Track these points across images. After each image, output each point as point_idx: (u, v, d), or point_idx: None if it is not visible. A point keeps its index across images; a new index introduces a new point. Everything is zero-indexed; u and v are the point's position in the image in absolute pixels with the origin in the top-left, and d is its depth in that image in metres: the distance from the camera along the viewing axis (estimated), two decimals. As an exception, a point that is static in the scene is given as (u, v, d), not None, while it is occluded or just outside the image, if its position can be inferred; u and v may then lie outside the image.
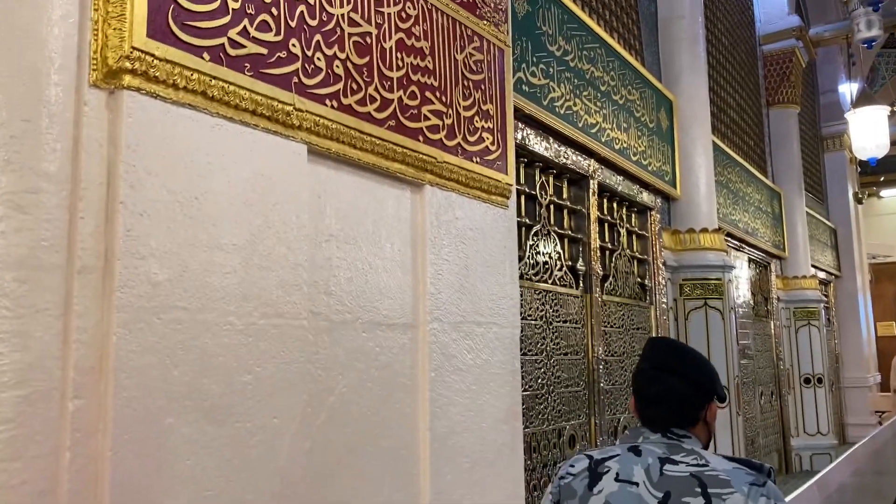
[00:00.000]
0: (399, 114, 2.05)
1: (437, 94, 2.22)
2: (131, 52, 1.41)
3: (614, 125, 4.09)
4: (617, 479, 1.51)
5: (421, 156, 2.13)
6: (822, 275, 9.48)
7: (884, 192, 14.22)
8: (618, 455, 1.53)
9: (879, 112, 5.07)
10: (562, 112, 3.50)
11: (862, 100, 5.23)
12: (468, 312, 2.32)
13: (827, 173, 10.58)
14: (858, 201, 9.75)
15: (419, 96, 2.14)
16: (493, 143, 2.48)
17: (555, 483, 1.60)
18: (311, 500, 1.73)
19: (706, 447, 1.56)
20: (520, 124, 3.24)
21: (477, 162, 2.39)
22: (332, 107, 1.84)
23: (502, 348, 2.47)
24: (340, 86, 1.87)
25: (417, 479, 2.06)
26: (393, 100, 2.04)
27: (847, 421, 9.97)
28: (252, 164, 1.64)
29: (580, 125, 3.68)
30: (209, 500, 1.48)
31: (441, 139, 2.23)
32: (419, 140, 2.13)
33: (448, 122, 2.26)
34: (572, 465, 1.58)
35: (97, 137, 1.40)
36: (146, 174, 1.43)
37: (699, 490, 1.44)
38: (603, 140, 3.92)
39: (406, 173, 2.10)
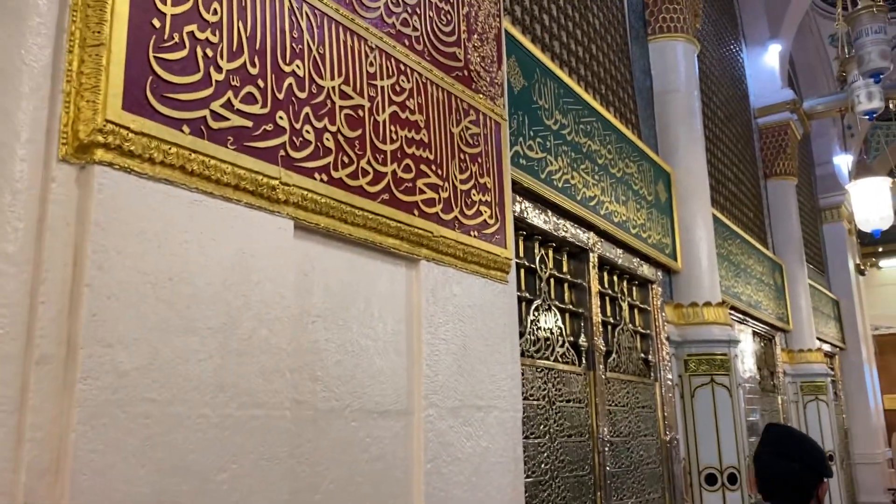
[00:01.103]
0: (393, 187, 1.97)
1: (433, 167, 2.14)
2: (104, 126, 1.33)
3: (613, 198, 4.02)
4: None
5: (416, 230, 2.03)
6: (826, 347, 9.32)
7: (883, 263, 14.20)
8: None
9: (881, 183, 5.03)
10: (560, 185, 3.44)
11: (860, 171, 5.20)
12: (467, 396, 2.18)
13: (826, 245, 10.53)
14: (861, 272, 9.68)
15: (414, 169, 2.06)
16: (491, 217, 2.39)
17: None
18: None
19: None
20: (518, 197, 3.17)
21: (475, 236, 2.29)
22: (322, 180, 1.75)
23: (503, 434, 2.32)
24: (331, 159, 1.78)
25: (412, 584, 1.88)
26: (386, 173, 1.95)
27: (860, 500, 9.62)
28: (233, 241, 1.54)
29: (579, 198, 3.61)
30: None
31: (437, 213, 2.13)
32: (414, 214, 2.04)
33: (444, 195, 2.18)
34: None
35: (64, 215, 1.30)
36: (116, 254, 1.33)
37: None
38: (602, 213, 3.85)
39: (400, 248, 2.00)
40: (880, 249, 13.60)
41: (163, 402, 1.35)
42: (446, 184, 2.19)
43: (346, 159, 1.82)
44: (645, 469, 4.04)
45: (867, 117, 6.80)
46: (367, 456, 1.83)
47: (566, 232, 3.58)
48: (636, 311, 4.42)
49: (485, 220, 2.36)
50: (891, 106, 7.83)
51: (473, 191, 2.32)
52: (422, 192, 2.08)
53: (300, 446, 1.65)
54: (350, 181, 1.83)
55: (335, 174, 1.79)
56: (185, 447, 1.37)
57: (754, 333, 6.73)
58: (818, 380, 7.78)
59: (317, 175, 1.74)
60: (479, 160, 2.37)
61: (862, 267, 9.27)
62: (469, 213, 2.28)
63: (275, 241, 1.64)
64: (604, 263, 4.03)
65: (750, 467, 2.08)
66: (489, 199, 2.40)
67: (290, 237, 1.68)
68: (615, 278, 4.22)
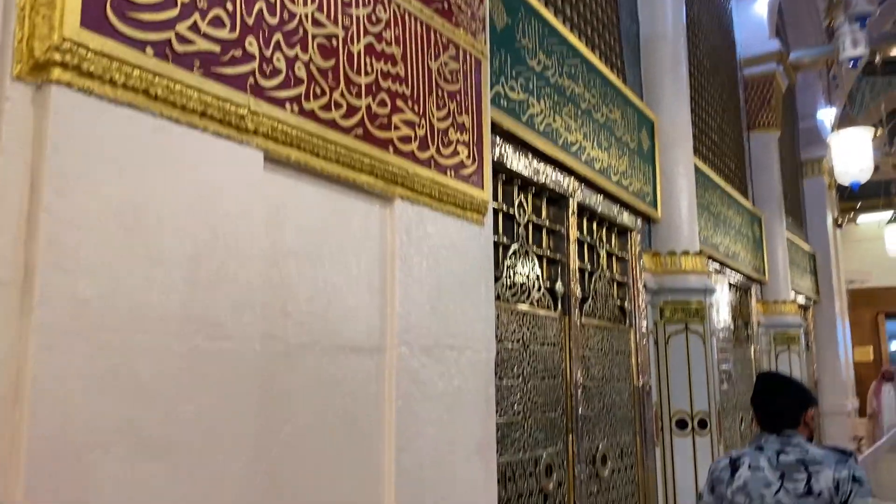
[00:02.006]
0: (367, 122, 1.92)
1: (409, 102, 2.09)
2: (61, 43, 1.27)
3: (595, 144, 3.99)
4: (749, 468, 2.35)
5: (391, 167, 2.00)
6: (801, 300, 9.45)
7: (861, 218, 14.31)
8: (747, 453, 2.41)
9: (863, 133, 5.01)
10: (541, 129, 3.39)
11: (844, 122, 5.17)
12: (440, 336, 2.17)
13: (806, 198, 10.59)
14: (838, 226, 9.76)
15: (389, 104, 2.01)
16: (468, 157, 2.35)
17: (709, 477, 2.50)
18: (261, 542, 1.57)
19: (811, 440, 2.39)
20: (498, 140, 3.13)
21: (451, 176, 2.26)
22: (293, 111, 1.70)
23: (476, 374, 2.33)
24: (302, 89, 1.73)
25: (381, 517, 1.90)
26: (360, 107, 1.90)
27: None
28: (200, 170, 1.49)
29: (560, 143, 3.57)
30: (141, 546, 1.31)
31: (413, 151, 2.09)
32: (389, 151, 2.00)
33: (420, 132, 2.13)
34: (719, 463, 2.49)
35: (19, 136, 1.25)
36: (76, 179, 1.28)
37: (803, 468, 2.27)
38: (583, 159, 3.82)
39: (375, 186, 1.96)
40: (858, 205, 13.70)
41: (126, 332, 1.33)
42: (423, 121, 2.14)
43: (318, 90, 1.77)
44: (617, 412, 4.10)
45: (851, 64, 6.73)
46: (338, 391, 1.82)
47: (546, 177, 3.55)
48: (614, 258, 4.43)
49: (462, 161, 2.32)
50: (877, 59, 7.79)
51: (451, 129, 2.28)
52: (397, 128, 2.04)
53: (270, 380, 1.64)
54: (322, 113, 1.78)
55: (307, 105, 1.74)
56: (149, 377, 1.35)
57: (731, 284, 6.80)
58: (791, 331, 7.91)
59: (288, 105, 1.69)
60: (458, 98, 2.32)
61: (839, 221, 9.33)
62: (446, 152, 2.25)
63: (244, 172, 1.60)
64: (583, 210, 4.01)
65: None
66: (467, 139, 2.36)
67: (260, 169, 1.64)
68: (594, 226, 4.21)
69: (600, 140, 4.06)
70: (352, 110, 1.87)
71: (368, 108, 1.93)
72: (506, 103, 3.10)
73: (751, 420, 7.29)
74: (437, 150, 2.20)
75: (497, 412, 3.00)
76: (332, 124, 1.81)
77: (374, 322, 1.96)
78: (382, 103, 1.98)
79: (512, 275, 3.28)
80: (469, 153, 2.36)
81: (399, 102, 2.05)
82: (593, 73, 4.05)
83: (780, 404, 2.40)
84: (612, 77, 4.34)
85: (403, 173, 2.04)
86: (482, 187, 2.42)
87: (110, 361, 1.29)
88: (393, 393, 1.97)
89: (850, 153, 4.98)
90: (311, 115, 1.74)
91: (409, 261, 2.06)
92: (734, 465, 2.41)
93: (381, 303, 2.00)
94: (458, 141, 2.30)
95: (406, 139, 2.07)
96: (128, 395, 1.31)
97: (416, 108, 2.11)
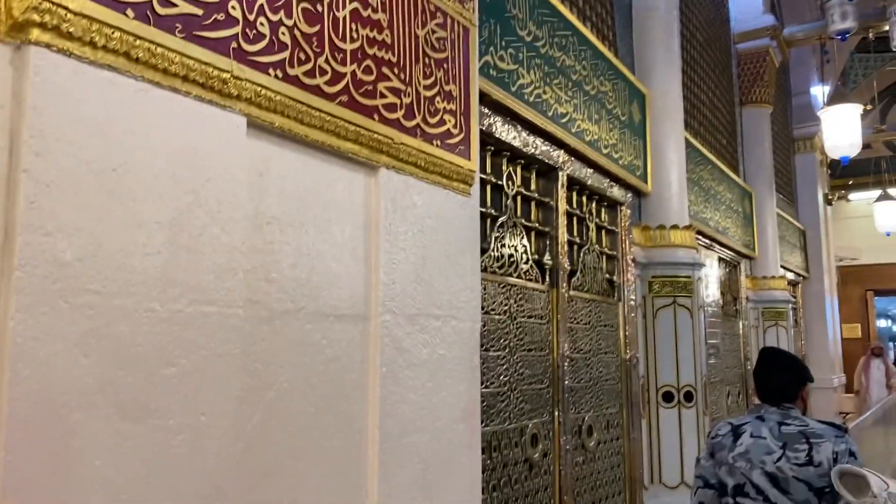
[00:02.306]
0: (352, 89, 1.91)
1: (395, 70, 2.08)
2: (40, 4, 1.26)
3: (585, 116, 3.98)
4: (751, 436, 2.46)
5: (376, 135, 1.99)
6: (790, 276, 9.51)
7: (852, 196, 14.35)
8: (749, 421, 2.51)
9: (853, 110, 5.01)
10: (531, 100, 3.38)
11: (836, 98, 5.18)
12: (425, 305, 2.18)
13: (798, 175, 10.61)
14: (828, 203, 9.79)
15: (375, 71, 2.00)
16: (455, 127, 2.35)
17: (708, 442, 2.61)
18: (251, 496, 1.59)
19: (804, 413, 2.54)
20: (487, 111, 3.12)
21: (438, 145, 2.26)
22: (277, 77, 1.69)
23: (461, 343, 2.35)
24: (286, 55, 1.72)
25: (364, 482, 1.93)
26: (346, 73, 1.89)
27: (812, 421, 10.00)
28: (182, 134, 1.49)
29: (550, 114, 3.56)
30: (123, 506, 1.33)
31: (398, 119, 2.09)
32: (374, 118, 1.99)
33: (407, 101, 2.13)
34: (720, 429, 2.58)
35: (-2, 97, 1.24)
36: (55, 140, 1.28)
37: (804, 440, 2.38)
38: (573, 131, 3.81)
39: (360, 154, 1.96)
40: (850, 182, 13.73)
41: (107, 295, 1.33)
42: (409, 89, 2.13)
43: (302, 56, 1.76)
44: (604, 385, 4.14)
45: (840, 38, 6.67)
46: (322, 357, 1.84)
47: (536, 149, 3.54)
48: (604, 232, 4.45)
49: (449, 130, 2.31)
50: (870, 35, 7.76)
51: (438, 98, 2.27)
52: (383, 95, 2.03)
53: (254, 345, 1.65)
54: (307, 79, 1.77)
55: (291, 71, 1.73)
56: (131, 340, 1.36)
57: (720, 259, 6.83)
58: (779, 306, 7.97)
59: (271, 71, 1.68)
60: (445, 66, 2.31)
61: (830, 197, 9.35)
62: (432, 121, 2.24)
63: (227, 137, 1.59)
64: (573, 183, 4.01)
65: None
66: (454, 108, 2.35)
67: (243, 135, 1.63)
68: (584, 199, 4.22)
69: (591, 112, 4.06)
70: (337, 77, 1.86)
71: (353, 74, 1.92)
72: (495, 73, 3.09)
73: (738, 393, 7.39)
74: (424, 119, 2.20)
75: (483, 382, 3.03)
76: (317, 91, 1.80)
77: (358, 290, 1.97)
78: (368, 70, 1.97)
79: (500, 247, 3.29)
80: (456, 122, 2.35)
81: (385, 70, 2.04)
82: (584, 45, 4.03)
83: (782, 379, 2.52)
84: (604, 49, 4.32)
85: (388, 141, 2.04)
86: (469, 157, 2.42)
87: (91, 324, 1.30)
88: (377, 360, 1.99)
89: (840, 128, 4.99)
90: (295, 81, 1.74)
91: (394, 230, 2.07)
92: (736, 433, 2.51)
93: (366, 271, 2.00)
94: (444, 110, 2.30)
95: (391, 107, 2.06)
96: (109, 357, 1.32)
97: (402, 75, 2.10)
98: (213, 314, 1.52)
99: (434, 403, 2.19)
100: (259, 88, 1.64)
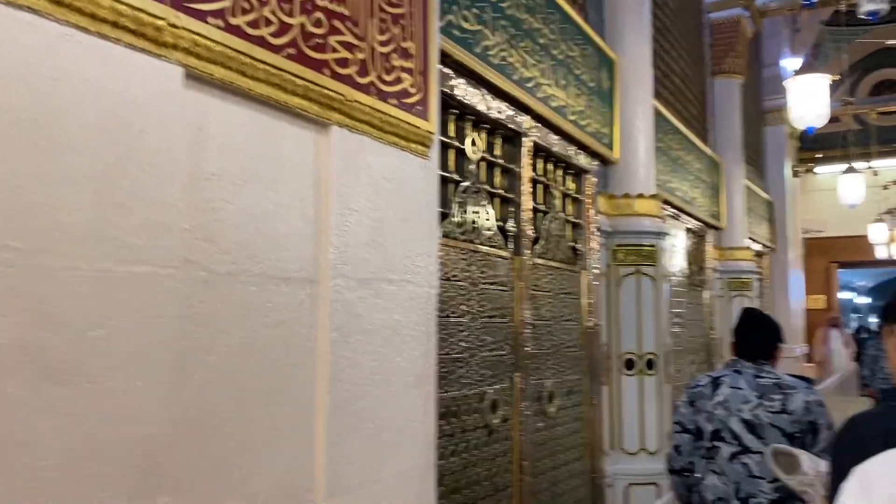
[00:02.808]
0: (301, 42, 1.83)
1: (348, 24, 2.00)
2: (-53, -65, 1.16)
3: (552, 81, 3.91)
4: (730, 387, 2.73)
5: (327, 91, 1.92)
6: (757, 247, 9.61)
7: (819, 169, 14.50)
8: (728, 374, 2.78)
9: (821, 80, 5.00)
10: (496, 62, 3.31)
11: (804, 68, 5.16)
12: (379, 269, 2.13)
13: (767, 147, 10.68)
14: (795, 175, 9.87)
15: (326, 24, 1.91)
16: (413, 86, 2.27)
17: (687, 391, 2.89)
18: (182, 472, 1.54)
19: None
20: (451, 72, 3.04)
21: (394, 105, 2.19)
22: (217, 27, 1.60)
23: (417, 308, 2.30)
24: (227, 3, 1.63)
25: (312, 448, 1.89)
26: (294, 25, 1.81)
27: (773, 390, 10.19)
28: (111, 84, 1.41)
29: (515, 78, 3.49)
30: (48, 470, 1.27)
31: (351, 75, 2.01)
32: (324, 73, 1.91)
33: (360, 56, 2.05)
34: (700, 381, 2.88)
35: None
36: (-33, 86, 1.19)
37: (779, 390, 2.67)
38: (539, 96, 3.75)
39: (309, 110, 1.88)
40: (819, 155, 13.86)
41: (28, 252, 1.26)
42: (363, 44, 2.05)
43: (245, 5, 1.67)
44: (566, 352, 4.14)
45: (871, 18, 6.47)
46: (268, 321, 1.78)
47: (501, 114, 3.48)
48: (569, 199, 4.41)
49: (406, 89, 2.24)
50: (842, 6, 7.75)
51: (394, 55, 2.20)
52: (334, 50, 1.95)
53: (192, 307, 1.59)
54: (250, 30, 1.69)
55: (233, 20, 1.64)
56: (54, 299, 1.29)
57: (687, 229, 6.86)
58: (744, 277, 8.05)
59: (211, 19, 1.59)
60: (403, 22, 2.23)
61: (797, 169, 9.42)
62: (388, 78, 2.17)
63: (161, 88, 1.51)
64: (539, 150, 3.96)
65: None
66: (412, 66, 2.27)
67: (180, 86, 1.55)
68: (550, 166, 4.17)
69: (558, 78, 3.99)
70: (284, 28, 1.78)
71: (302, 27, 1.84)
72: (458, 33, 3.00)
73: (701, 362, 7.48)
74: (379, 77, 2.12)
75: (443, 349, 3.00)
76: (261, 42, 1.71)
77: (307, 252, 1.91)
78: (318, 23, 1.89)
79: (463, 213, 3.24)
80: (414, 81, 2.28)
81: (337, 23, 1.95)
82: (553, 8, 3.95)
83: (759, 338, 2.82)
84: (573, 13, 4.24)
85: (340, 98, 1.96)
86: (428, 118, 2.35)
87: (10, 281, 1.23)
88: (327, 324, 1.93)
89: (807, 99, 4.98)
90: (237, 31, 1.65)
91: (346, 191, 2.00)
92: (715, 383, 2.78)
93: (316, 233, 1.94)
94: (401, 68, 2.22)
95: (343, 62, 1.98)
96: (28, 316, 1.25)
97: (355, 30, 2.02)
98: (145, 274, 1.45)
99: (388, 369, 2.15)
100: (197, 38, 1.56)
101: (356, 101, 2.02)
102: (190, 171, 1.60)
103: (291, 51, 1.81)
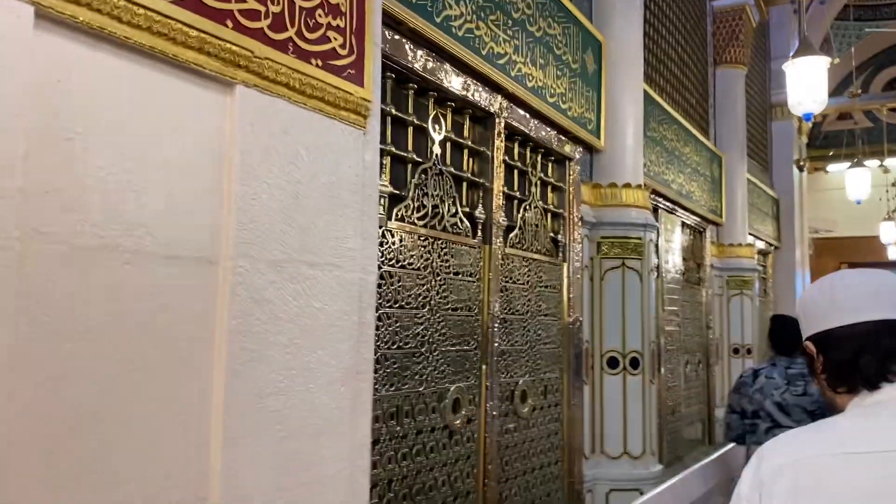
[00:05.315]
0: (193, -13, 1.60)
1: (257, -29, 1.76)
2: None
3: (528, 60, 3.67)
4: (765, 377, 3.59)
5: (229, 45, 1.68)
6: (761, 245, 9.32)
7: (831, 167, 14.18)
8: (766, 367, 3.66)
9: (819, 62, 4.71)
10: (460, 34, 3.06)
11: (801, 50, 4.88)
12: (296, 250, 1.90)
13: (774, 142, 10.37)
14: (800, 169, 9.56)
15: (227, -31, 1.68)
16: (343, 47, 2.04)
17: (736, 382, 3.80)
18: (21, 478, 1.31)
19: None
20: (408, 42, 2.80)
21: (318, 66, 1.95)
22: (76, -41, 1.37)
23: (346, 296, 2.06)
24: (89, -68, 1.40)
25: (204, 451, 1.66)
26: (182, -34, 1.57)
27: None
28: (-77, 16, 1.18)
29: (484, 53, 3.25)
30: None
31: (262, 29, 1.77)
32: (227, 25, 1.68)
33: (275, 9, 1.81)
34: (745, 373, 3.80)
35: None
36: None
37: (802, 378, 3.45)
38: (512, 74, 3.50)
39: (207, 66, 1.65)
40: (830, 153, 13.53)
41: None
42: (276, -5, 1.81)
43: (115, -64, 1.44)
44: (542, 348, 3.90)
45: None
46: (146, 306, 1.55)
47: (467, 91, 3.24)
48: (549, 188, 4.17)
49: (334, 49, 2.00)
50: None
51: (320, 11, 1.96)
52: (240, 0, 1.72)
53: (42, 286, 1.36)
54: (123, -33, 1.45)
55: (97, -47, 1.41)
56: None
57: (683, 224, 6.59)
58: (745, 275, 7.77)
59: (66, -51, 1.36)
60: (329, -25, 1.99)
61: (801, 163, 9.08)
62: (312, 36, 1.93)
63: (2, 28, 1.28)
64: (514, 133, 3.72)
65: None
66: (342, 25, 2.04)
67: (29, 27, 1.32)
68: (527, 151, 3.93)
69: (535, 56, 3.74)
70: (170, -31, 1.55)
71: (195, -31, 1.60)
72: (415, 0, 2.76)
73: (697, 362, 7.19)
74: (300, 34, 1.89)
75: (394, 342, 2.78)
76: (139, -17, 1.48)
77: (201, 227, 1.68)
78: (216, -33, 1.65)
79: (421, 195, 3.00)
80: (344, 42, 2.04)
81: (242, -31, 1.72)
82: (530, -19, 3.70)
83: (789, 338, 3.55)
84: (554, -11, 3.99)
85: (247, 55, 1.73)
86: (363, 84, 2.11)
87: None
88: (225, 312, 1.70)
89: (805, 83, 4.70)
90: (103, -34, 1.42)
91: (251, 159, 1.77)
92: (755, 374, 3.65)
93: (214, 206, 1.71)
94: (328, 25, 1.98)
95: (252, 14, 1.75)
96: None
97: (266, -22, 1.78)
98: (-31, 245, 1.22)
99: (306, 363, 1.91)
100: (48, -30, 1.33)
101: (268, 58, 1.79)
102: (43, 128, 1.36)
103: (181, -4, 1.57)
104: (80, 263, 1.42)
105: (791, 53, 9.28)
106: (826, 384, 1.35)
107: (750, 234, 8.25)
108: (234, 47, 1.70)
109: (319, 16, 1.95)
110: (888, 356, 1.25)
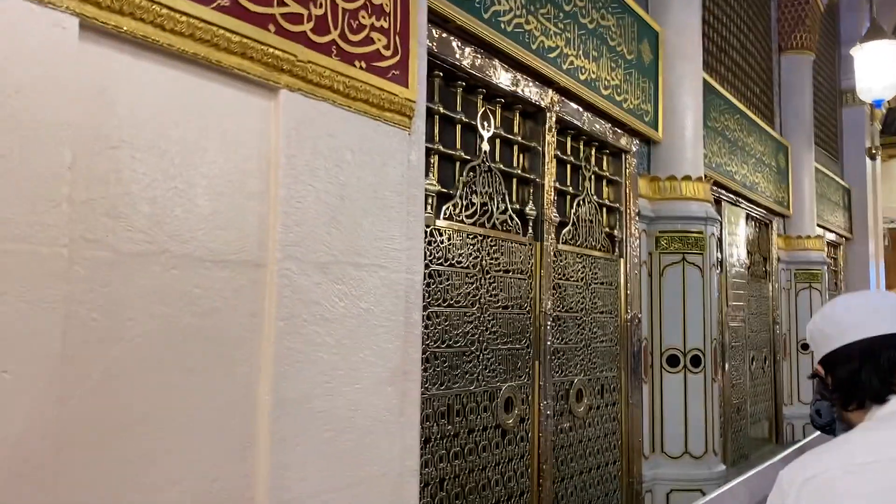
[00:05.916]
0: (234, -7, 1.61)
1: (299, -26, 1.77)
2: None
3: (581, 52, 3.60)
4: None
5: (272, 50, 1.69)
6: (830, 236, 8.96)
7: (906, 154, 13.49)
8: None
9: (888, 47, 4.47)
10: (509, 29, 3.02)
11: (871, 34, 4.63)
12: (342, 251, 1.90)
13: (844, 129, 9.94)
14: (871, 157, 9.12)
15: (268, -26, 1.69)
16: (387, 47, 2.03)
17: None
18: (71, 484, 1.35)
19: None
20: (455, 40, 2.78)
21: (362, 68, 1.94)
22: (119, -30, 1.40)
23: (392, 296, 2.06)
24: (132, -57, 1.42)
25: (253, 454, 1.68)
26: (224, -27, 1.59)
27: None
28: (-27, 32, 1.22)
29: (534, 47, 3.20)
30: None
31: (305, 32, 1.78)
32: (269, 30, 1.69)
33: (318, 12, 1.82)
34: None
35: None
36: None
37: None
38: (565, 68, 3.44)
39: (251, 71, 1.66)
40: (905, 139, 12.88)
41: None
42: (318, -3, 1.82)
43: (157, -54, 1.46)
44: (598, 346, 3.83)
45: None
46: (195, 309, 1.57)
47: (517, 86, 3.20)
48: (604, 182, 4.09)
49: (378, 51, 2.00)
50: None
51: (363, 12, 1.95)
52: (282, 4, 1.72)
53: (91, 291, 1.39)
54: (165, -24, 1.47)
55: (139, -37, 1.43)
56: None
57: (748, 217, 6.38)
58: (814, 268, 7.48)
59: (109, -39, 1.38)
60: (372, -25, 1.98)
61: (874, 151, 8.67)
62: (355, 38, 1.93)
63: (49, 42, 1.31)
64: (567, 127, 3.66)
65: None
66: (386, 26, 2.03)
67: (74, 39, 1.35)
68: (581, 145, 3.86)
69: (588, 48, 3.67)
70: (211, -24, 1.56)
71: (237, -25, 1.62)
72: (462, -4, 2.74)
73: (763, 358, 6.96)
74: (343, 36, 1.89)
75: (444, 341, 2.77)
76: (180, -9, 1.50)
77: (248, 231, 1.69)
78: (258, -28, 1.66)
79: (470, 193, 2.98)
80: (388, 42, 2.03)
81: (283, -27, 1.73)
82: (582, -27, 3.63)
83: None
84: (607, -21, 3.90)
85: (291, 59, 1.74)
86: (407, 84, 2.10)
87: None
88: (273, 314, 1.71)
89: (875, 68, 4.46)
90: (146, -24, 1.44)
91: (297, 162, 1.78)
92: None
93: (262, 210, 1.72)
94: (372, 27, 1.98)
95: (295, 18, 1.75)
96: None
97: (308, -19, 1.79)
98: (20, 253, 1.26)
99: (353, 363, 1.92)
100: (92, -18, 1.35)
101: (311, 62, 1.79)
102: (90, 138, 1.40)
103: (224, 2, 1.59)
104: (127, 269, 1.45)
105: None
106: (839, 404, 1.41)
107: (819, 225, 7.93)
108: (276, 52, 1.70)
109: (363, 17, 1.95)
110: (891, 368, 1.30)
